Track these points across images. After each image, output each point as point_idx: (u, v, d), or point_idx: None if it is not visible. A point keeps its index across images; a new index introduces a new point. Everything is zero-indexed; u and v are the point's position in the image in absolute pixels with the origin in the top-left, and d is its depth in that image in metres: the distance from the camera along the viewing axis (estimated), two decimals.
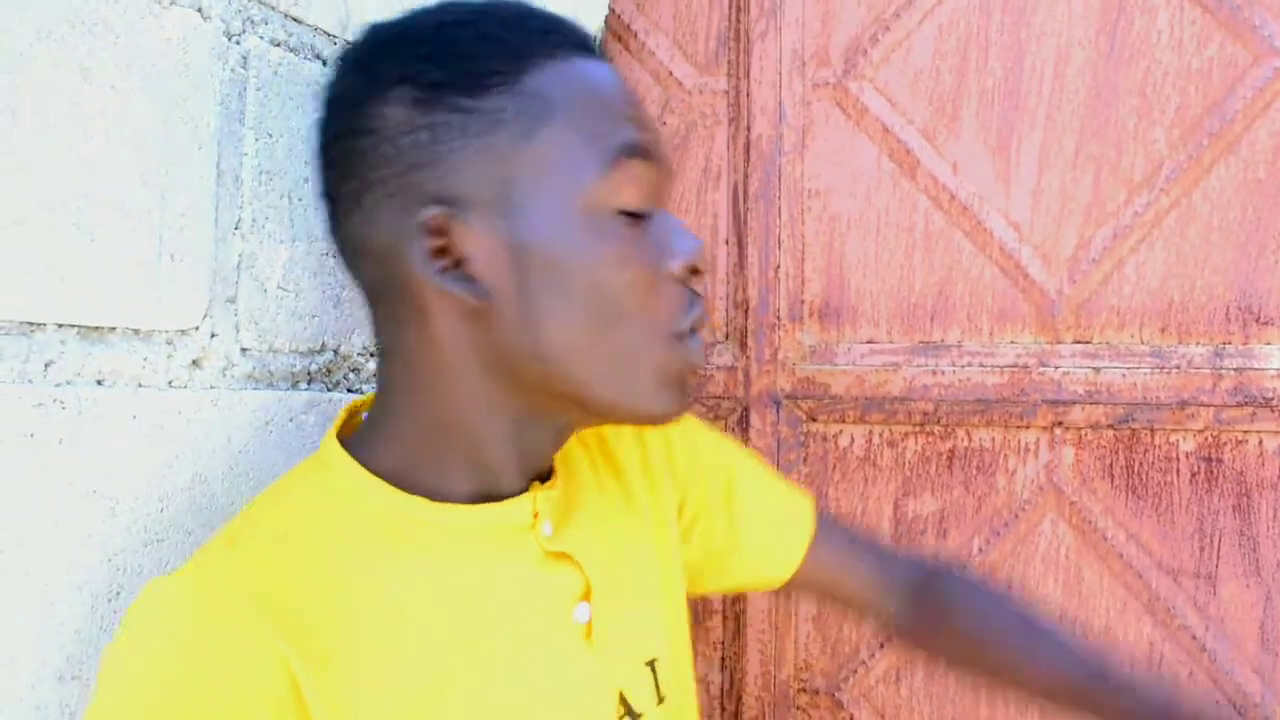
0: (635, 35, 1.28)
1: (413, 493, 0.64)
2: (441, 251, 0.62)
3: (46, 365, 0.62)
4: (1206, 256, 1.13)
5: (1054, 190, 1.17)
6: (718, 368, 1.24)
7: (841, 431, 1.21)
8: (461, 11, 0.65)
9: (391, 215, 0.62)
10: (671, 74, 1.27)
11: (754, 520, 0.87)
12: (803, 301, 1.22)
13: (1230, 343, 1.12)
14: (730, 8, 1.25)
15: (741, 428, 1.24)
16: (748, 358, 1.23)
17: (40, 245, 0.61)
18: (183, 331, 0.71)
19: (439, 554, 0.64)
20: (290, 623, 0.57)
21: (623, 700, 0.69)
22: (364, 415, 0.71)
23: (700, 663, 1.25)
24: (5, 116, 0.58)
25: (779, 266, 1.23)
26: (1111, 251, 1.15)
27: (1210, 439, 1.12)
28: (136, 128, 0.67)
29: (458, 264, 0.62)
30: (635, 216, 0.64)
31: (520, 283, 0.62)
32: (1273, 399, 1.10)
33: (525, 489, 0.68)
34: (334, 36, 0.84)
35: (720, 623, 1.25)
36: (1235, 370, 1.11)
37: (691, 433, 0.86)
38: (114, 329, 0.66)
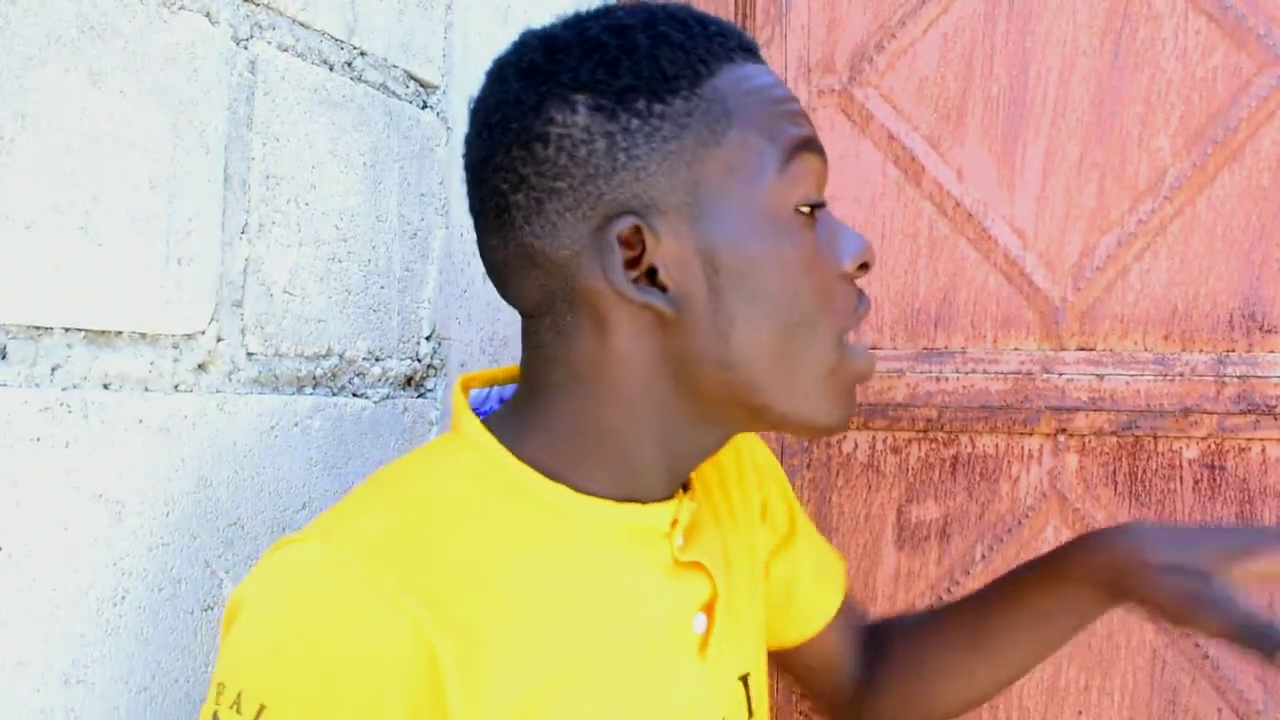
0: None
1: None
2: (633, 262, 0.61)
3: (53, 369, 0.62)
4: (1210, 264, 1.13)
5: (1058, 197, 1.17)
6: None
7: (845, 437, 1.21)
8: (633, 17, 0.63)
9: (573, 225, 0.61)
10: None
11: (807, 560, 0.86)
12: None
13: (1234, 350, 1.12)
14: (736, 14, 1.25)
15: None
16: None
17: (48, 249, 0.61)
18: (189, 335, 0.71)
19: (579, 548, 0.63)
20: (434, 595, 0.56)
21: None
22: (472, 391, 0.70)
23: None
24: (14, 121, 0.58)
25: None
26: (1115, 259, 1.15)
27: (1213, 447, 1.12)
28: (144, 132, 0.67)
29: (649, 274, 0.62)
30: (810, 214, 0.64)
31: (712, 289, 0.62)
32: (1276, 407, 1.10)
33: (665, 499, 0.67)
34: (341, 42, 0.84)
35: None
36: (1239, 378, 1.11)
37: (761, 452, 0.86)
38: (120, 333, 0.66)
